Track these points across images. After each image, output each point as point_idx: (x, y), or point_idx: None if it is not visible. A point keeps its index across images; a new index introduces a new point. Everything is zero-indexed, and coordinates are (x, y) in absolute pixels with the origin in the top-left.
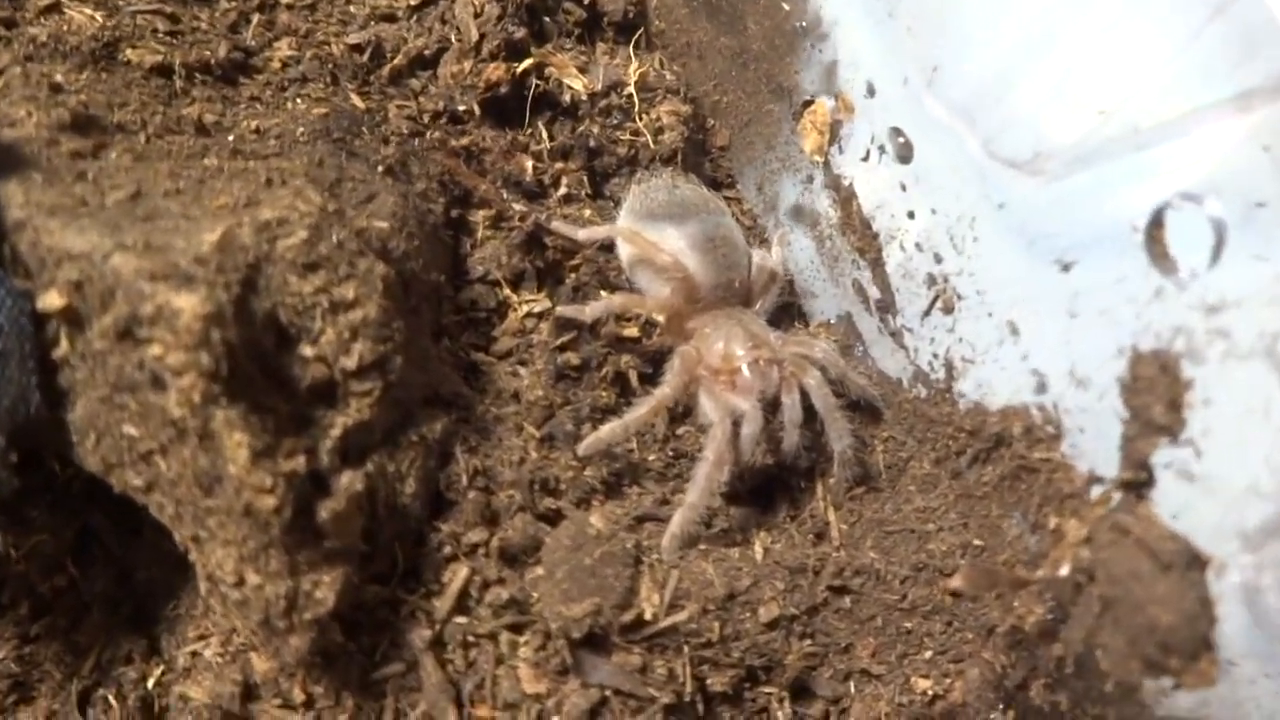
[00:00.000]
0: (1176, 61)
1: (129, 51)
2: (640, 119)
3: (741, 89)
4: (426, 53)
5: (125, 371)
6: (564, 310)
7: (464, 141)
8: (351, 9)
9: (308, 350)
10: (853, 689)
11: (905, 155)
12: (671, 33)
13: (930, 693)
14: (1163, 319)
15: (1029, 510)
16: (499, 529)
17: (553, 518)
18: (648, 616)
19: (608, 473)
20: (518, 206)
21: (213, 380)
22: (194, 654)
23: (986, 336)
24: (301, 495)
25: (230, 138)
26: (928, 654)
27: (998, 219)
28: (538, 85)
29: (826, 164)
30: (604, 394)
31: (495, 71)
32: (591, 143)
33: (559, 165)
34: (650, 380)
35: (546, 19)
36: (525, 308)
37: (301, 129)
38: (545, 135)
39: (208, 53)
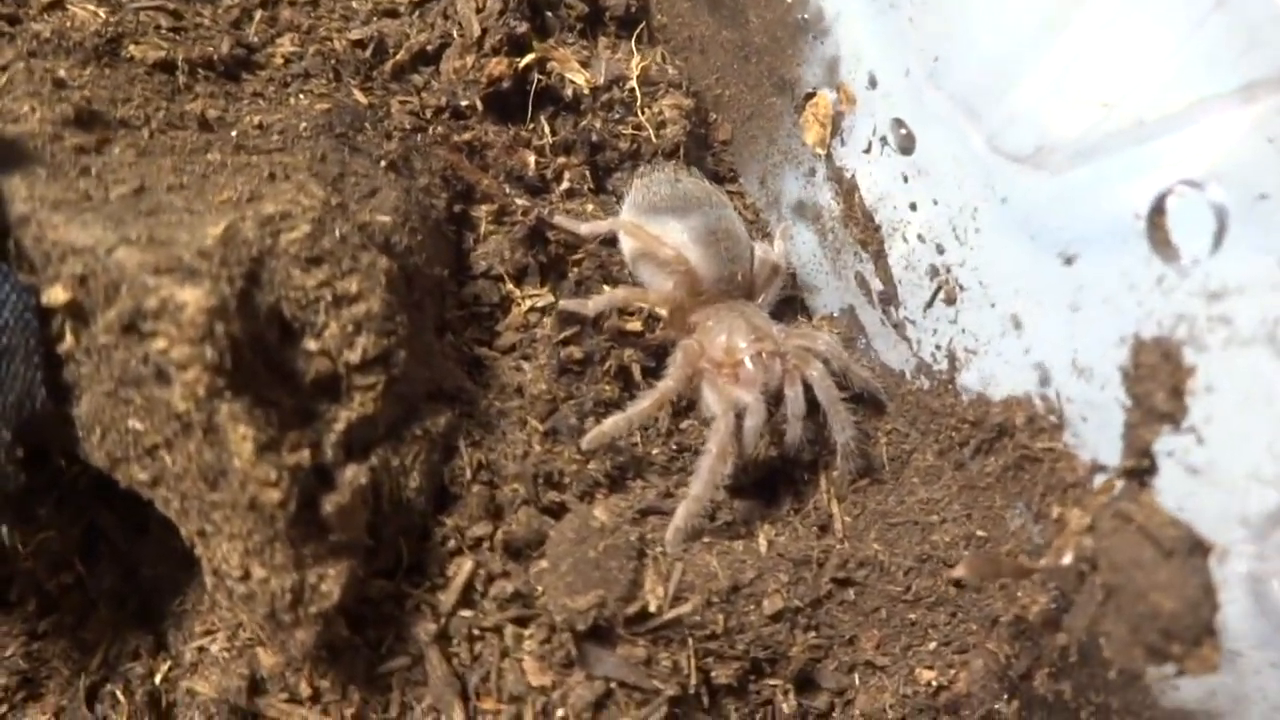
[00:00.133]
0: (1180, 53)
1: (132, 47)
2: (642, 113)
3: (744, 82)
4: (429, 48)
5: (130, 366)
6: (567, 304)
7: (466, 137)
8: (354, 5)
9: (311, 344)
10: (857, 680)
11: (907, 147)
12: (673, 27)
13: (935, 684)
14: (1165, 306)
15: (1032, 500)
16: (503, 523)
17: (557, 511)
18: (652, 609)
19: (611, 466)
20: (520, 201)
21: (217, 374)
22: (200, 649)
23: (989, 327)
24: (306, 489)
25: (233, 133)
26: (932, 645)
27: (1001, 213)
28: (540, 80)
29: (828, 156)
30: (607, 388)
31: (497, 67)
32: (594, 137)
33: (561, 160)
34: (653, 374)
35: (548, 14)
36: (528, 302)
37: (304, 124)
38: (547, 130)
39: (210, 49)
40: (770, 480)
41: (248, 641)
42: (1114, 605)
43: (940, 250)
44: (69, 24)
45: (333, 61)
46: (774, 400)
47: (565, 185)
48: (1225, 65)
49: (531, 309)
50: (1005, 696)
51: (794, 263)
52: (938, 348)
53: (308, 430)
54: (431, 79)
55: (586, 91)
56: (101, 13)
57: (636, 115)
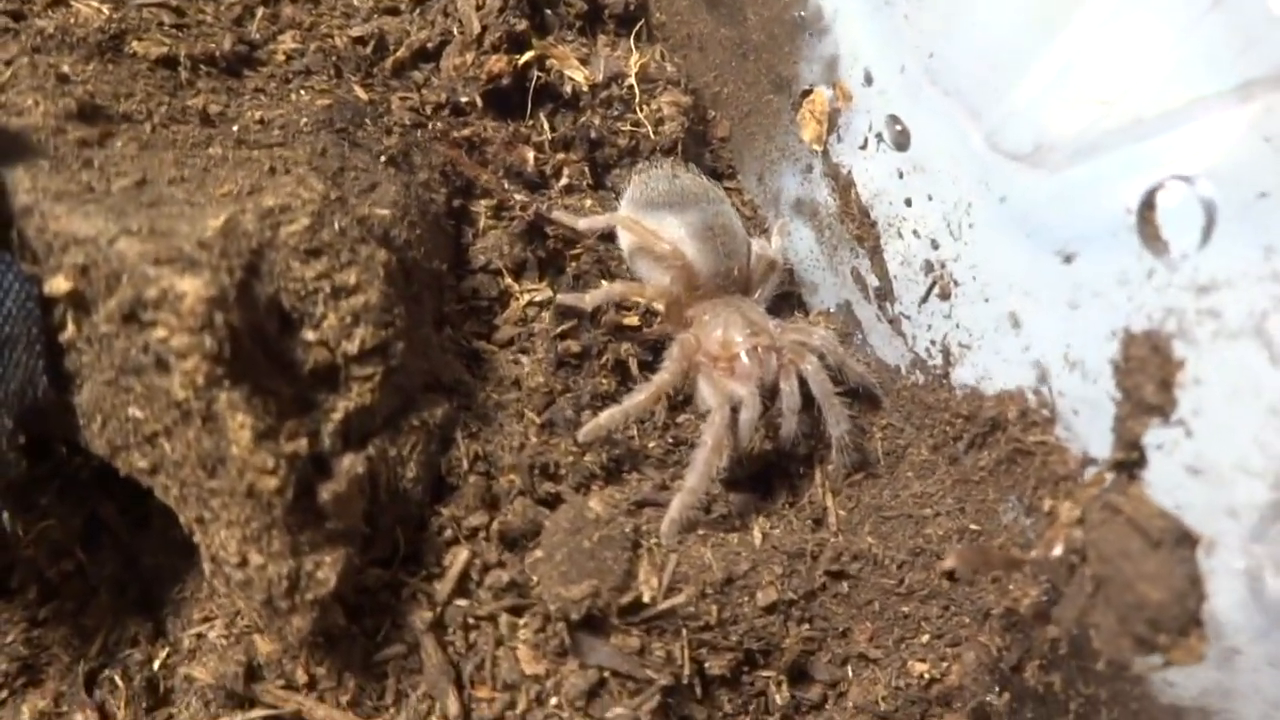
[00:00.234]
0: (1178, 51)
1: (135, 43)
2: (641, 110)
3: (741, 80)
4: (429, 45)
5: (130, 354)
6: (564, 298)
7: (466, 133)
8: (355, 2)
9: (310, 334)
10: (850, 673)
11: (902, 143)
12: (672, 24)
13: (927, 676)
14: (1155, 300)
15: (1024, 493)
16: (499, 513)
17: (552, 502)
18: (646, 599)
19: (607, 458)
20: (519, 197)
21: (216, 363)
22: (199, 636)
23: (983, 322)
24: (303, 477)
25: (235, 128)
26: (925, 638)
27: (999, 211)
28: (539, 77)
29: (825, 153)
30: (604, 381)
31: (497, 63)
32: (593, 134)
33: (560, 156)
34: (650, 368)
35: (548, 11)
36: (527, 296)
37: (305, 120)
38: (547, 126)
39: (213, 45)
40: (765, 474)
41: (245, 629)
42: (1103, 596)
43: (935, 246)
44: (72, 20)
45: (334, 58)
46: (769, 394)
47: (564, 181)
48: (1223, 64)
49: (530, 303)
50: (997, 689)
51: (791, 258)
52: (932, 343)
53: (306, 419)
54: (432, 75)
55: (585, 88)
56: (105, 9)
57: (635, 112)
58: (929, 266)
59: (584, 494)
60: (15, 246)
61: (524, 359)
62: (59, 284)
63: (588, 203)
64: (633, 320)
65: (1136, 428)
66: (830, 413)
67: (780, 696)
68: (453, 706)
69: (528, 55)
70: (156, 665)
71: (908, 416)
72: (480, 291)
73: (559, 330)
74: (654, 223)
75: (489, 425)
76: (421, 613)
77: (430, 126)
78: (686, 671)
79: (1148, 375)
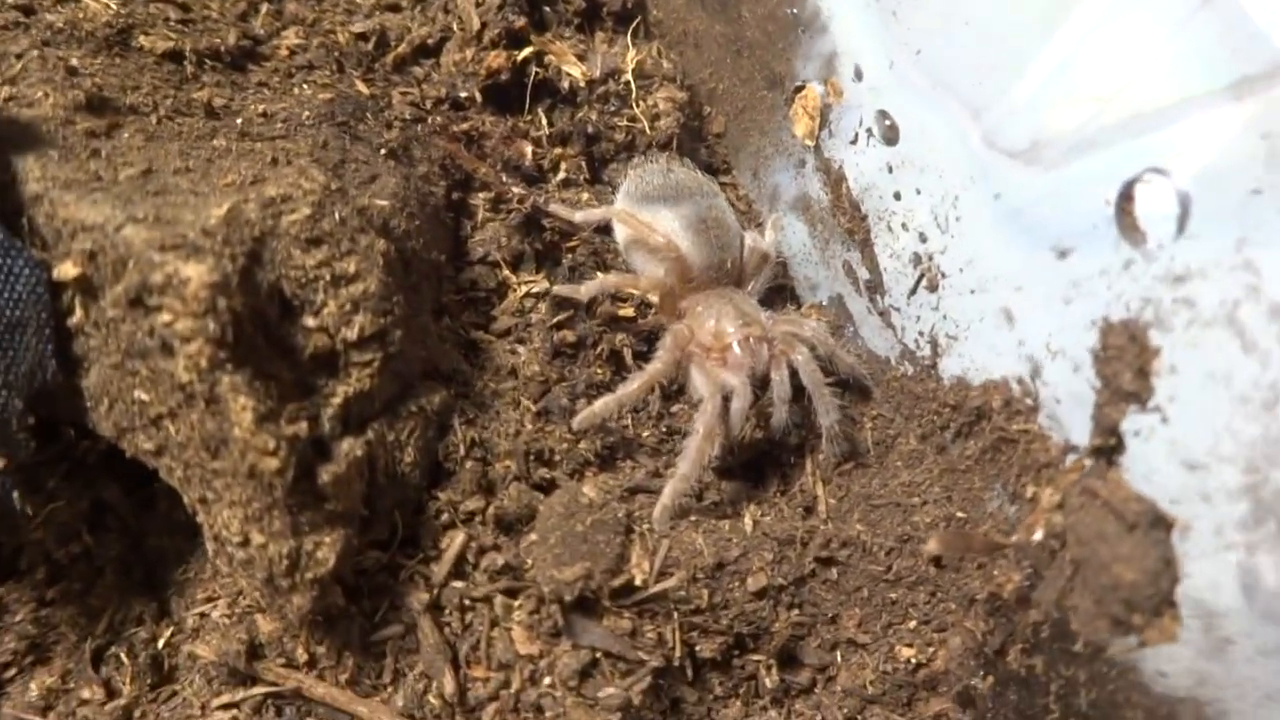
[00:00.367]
0: (1172, 47)
1: (142, 38)
2: (637, 106)
3: (736, 76)
4: (429, 41)
5: (136, 338)
6: (560, 290)
7: (465, 127)
8: None
9: (310, 321)
10: (839, 658)
11: (891, 138)
12: (669, 21)
13: (914, 661)
14: (1132, 290)
15: (1008, 481)
16: (495, 498)
17: (547, 487)
18: (637, 582)
19: (601, 446)
20: (517, 190)
21: (219, 346)
22: (202, 615)
23: (969, 314)
24: (303, 459)
25: (238, 120)
26: (912, 623)
27: (995, 207)
28: (538, 73)
29: (817, 148)
30: (599, 371)
31: (496, 59)
32: (590, 129)
33: (558, 150)
34: (644, 358)
35: (546, 8)
36: (524, 288)
37: (307, 113)
38: (545, 121)
39: (218, 40)
40: (757, 462)
41: (247, 608)
42: (1080, 579)
43: (923, 239)
44: (81, 15)
45: (336, 53)
46: (761, 385)
47: (561, 175)
48: (1219, 60)
49: (527, 294)
50: (981, 673)
51: (785, 251)
52: (921, 334)
53: (306, 403)
54: (432, 71)
55: (583, 84)
56: (112, 4)
57: (632, 107)
58: (917, 259)
59: (578, 480)
60: (25, 233)
61: (521, 348)
62: (67, 269)
63: (584, 196)
64: (628, 311)
65: (1115, 414)
66: (820, 403)
67: (770, 680)
68: (449, 685)
69: (526, 51)
70: (161, 643)
71: (897, 407)
72: (478, 282)
73: (555, 321)
74: (649, 216)
75: (486, 412)
76: (419, 594)
77: (430, 121)
78: (677, 654)
79: (1125, 363)
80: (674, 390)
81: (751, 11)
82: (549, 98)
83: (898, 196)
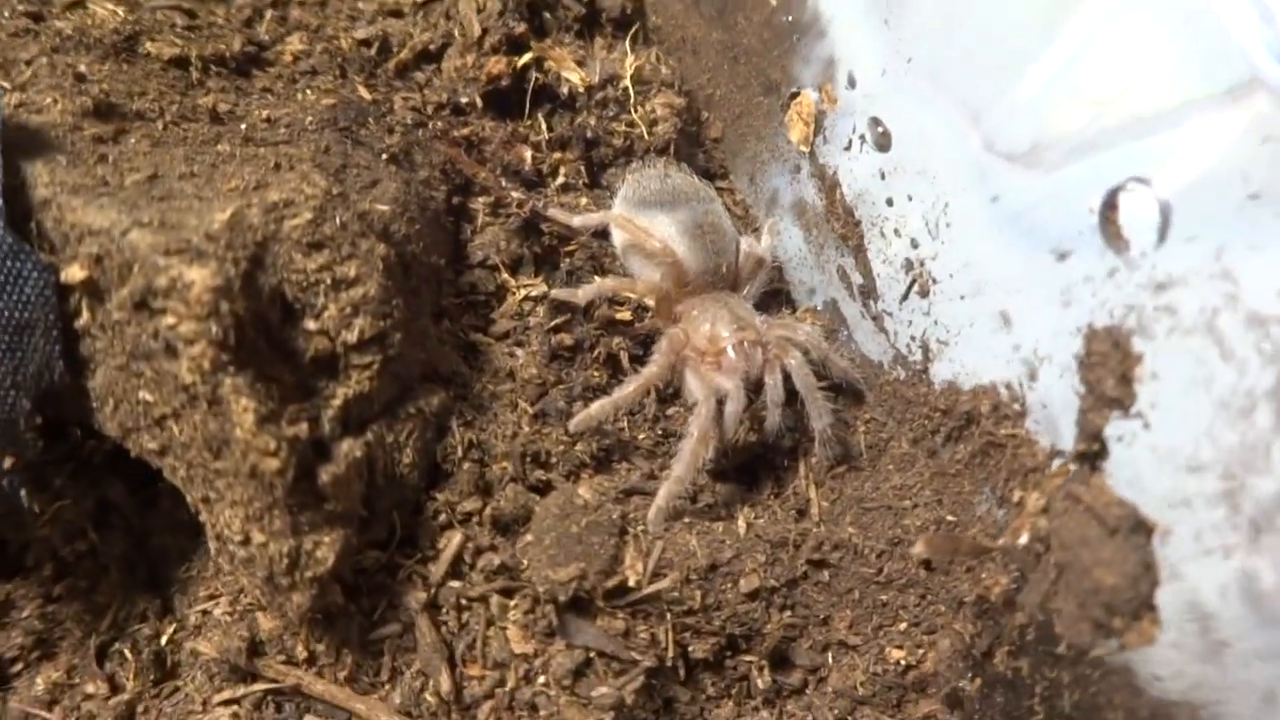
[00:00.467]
0: (1173, 50)
1: (149, 44)
2: (636, 111)
3: (733, 82)
4: (431, 47)
5: (141, 340)
6: (558, 294)
7: (465, 132)
8: (360, 5)
9: (311, 324)
10: (830, 659)
11: (884, 144)
12: (667, 28)
13: (904, 663)
14: (1116, 297)
15: (997, 485)
16: (492, 499)
17: (543, 489)
18: (631, 583)
19: (598, 448)
20: (516, 194)
21: (221, 349)
22: (204, 612)
23: (959, 319)
24: (303, 460)
25: (242, 126)
26: (902, 625)
27: (992, 210)
28: (537, 78)
29: (812, 154)
30: (596, 374)
31: (496, 65)
32: (589, 134)
33: (557, 155)
34: (641, 361)
35: (546, 14)
36: (522, 291)
37: (310, 118)
38: (544, 126)
39: (223, 46)
40: (751, 465)
41: (248, 606)
42: (1064, 582)
43: (915, 245)
44: (89, 21)
45: (339, 59)
46: (755, 388)
47: (561, 180)
48: (1218, 64)
49: (525, 297)
50: (969, 674)
51: (781, 256)
52: (913, 339)
53: (306, 405)
54: (433, 76)
55: (582, 90)
56: (120, 11)
57: (630, 113)
58: (909, 265)
59: (574, 481)
60: (34, 237)
61: (519, 351)
62: (74, 273)
63: (583, 201)
64: (625, 315)
65: (1098, 420)
66: (813, 407)
67: (762, 680)
68: (445, 683)
69: (526, 57)
70: (164, 640)
71: (890, 410)
72: (478, 286)
73: (553, 324)
74: (646, 221)
75: (484, 414)
76: (416, 593)
77: (431, 126)
78: (670, 654)
79: (1109, 369)
80: (670, 393)
81: (747, 19)
82: (549, 103)
83: (890, 203)
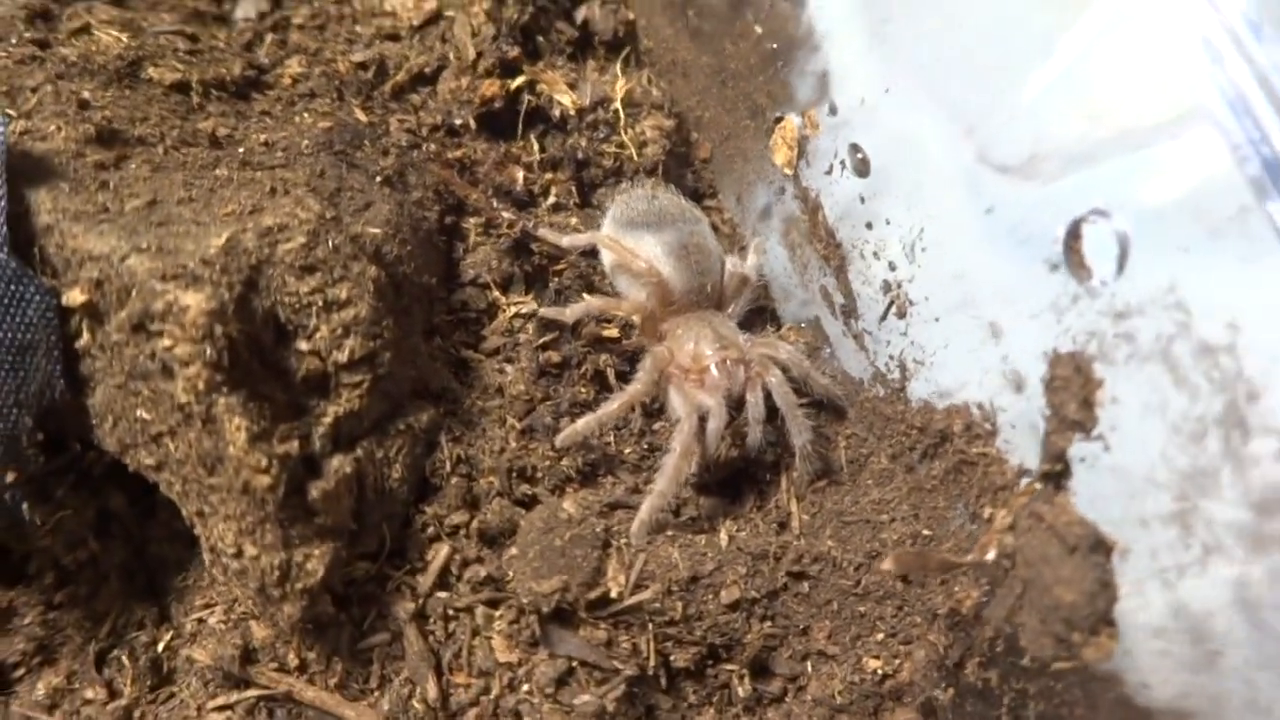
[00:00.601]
0: (1167, 63)
1: (151, 69)
2: (625, 133)
3: (721, 105)
4: (427, 70)
5: (139, 361)
6: (546, 312)
7: (459, 153)
8: (358, 29)
9: (303, 345)
10: (809, 668)
11: (863, 170)
12: (659, 50)
13: (881, 672)
14: (1078, 323)
15: (969, 501)
16: (479, 512)
17: (529, 503)
18: (613, 595)
19: (583, 463)
20: (507, 214)
21: (216, 370)
22: (200, 621)
23: (935, 339)
24: (295, 476)
25: (240, 150)
26: (879, 636)
27: (987, 223)
28: (530, 101)
29: (796, 177)
30: (583, 390)
31: (490, 88)
32: (579, 155)
33: (548, 176)
34: (627, 378)
35: (540, 38)
36: (513, 309)
37: (306, 142)
38: (536, 148)
39: (224, 70)
40: (734, 480)
41: (242, 615)
42: (1028, 598)
43: (893, 268)
44: (94, 48)
45: (337, 82)
46: (737, 405)
47: (552, 200)
48: (1180, 90)
49: (515, 315)
50: (943, 685)
51: (766, 275)
52: (891, 358)
53: (298, 423)
54: (429, 99)
55: (573, 112)
56: (124, 37)
57: (620, 135)
58: (887, 286)
59: (559, 495)
60: (36, 262)
61: (508, 368)
62: (75, 296)
63: (574, 220)
64: (612, 332)
65: (1061, 441)
66: (793, 423)
67: (742, 689)
68: (432, 691)
69: (519, 80)
70: (161, 647)
71: (870, 427)
72: (469, 303)
73: (541, 341)
74: (632, 241)
75: (472, 430)
76: (405, 604)
77: (425, 148)
78: (652, 663)
79: (1071, 393)
80: (656, 408)
81: (734, 44)
82: (540, 124)
83: (869, 226)
